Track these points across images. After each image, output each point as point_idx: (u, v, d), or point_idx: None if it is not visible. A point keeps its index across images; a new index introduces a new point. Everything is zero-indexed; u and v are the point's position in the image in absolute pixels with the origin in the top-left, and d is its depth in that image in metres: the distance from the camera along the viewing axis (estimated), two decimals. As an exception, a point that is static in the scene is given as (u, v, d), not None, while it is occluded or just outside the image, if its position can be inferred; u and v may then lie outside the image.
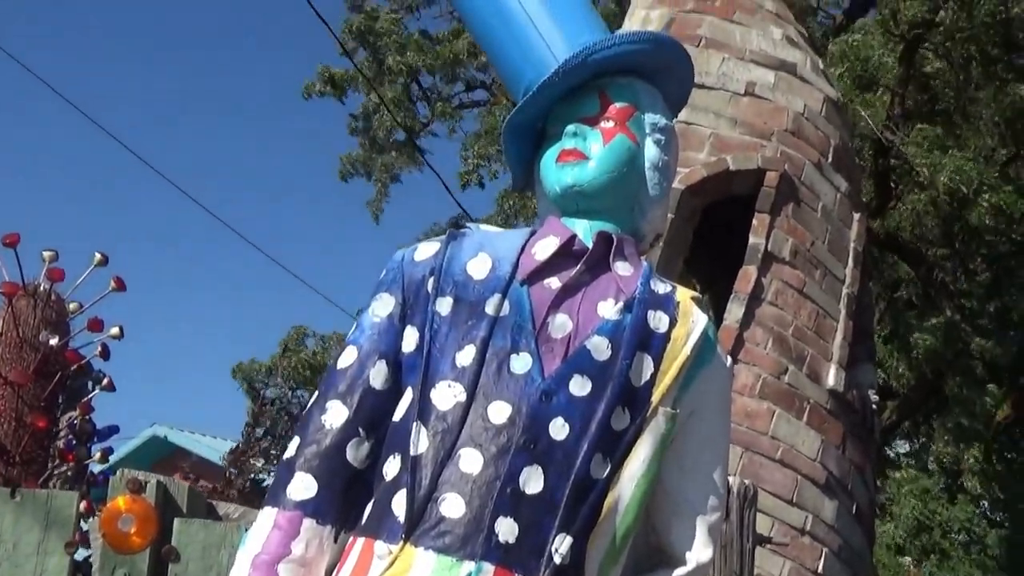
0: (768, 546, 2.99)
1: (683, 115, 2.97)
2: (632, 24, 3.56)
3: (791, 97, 3.47)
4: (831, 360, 3.41)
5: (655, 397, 1.11)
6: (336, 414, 1.11)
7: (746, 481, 2.55)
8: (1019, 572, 8.26)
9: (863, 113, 5.85)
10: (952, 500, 7.93)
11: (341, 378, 1.14)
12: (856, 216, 3.66)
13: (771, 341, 3.28)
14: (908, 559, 7.90)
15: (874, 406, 3.61)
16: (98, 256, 2.96)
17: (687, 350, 1.13)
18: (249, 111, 27.98)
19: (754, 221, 3.28)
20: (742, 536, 2.35)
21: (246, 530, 1.19)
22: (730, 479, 2.42)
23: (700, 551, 1.15)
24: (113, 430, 3.02)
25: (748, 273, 3.23)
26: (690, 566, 1.15)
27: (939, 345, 6.24)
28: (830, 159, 3.56)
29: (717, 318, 3.48)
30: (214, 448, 9.40)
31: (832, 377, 3.37)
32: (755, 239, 3.26)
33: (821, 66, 3.86)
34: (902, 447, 9.41)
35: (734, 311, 3.23)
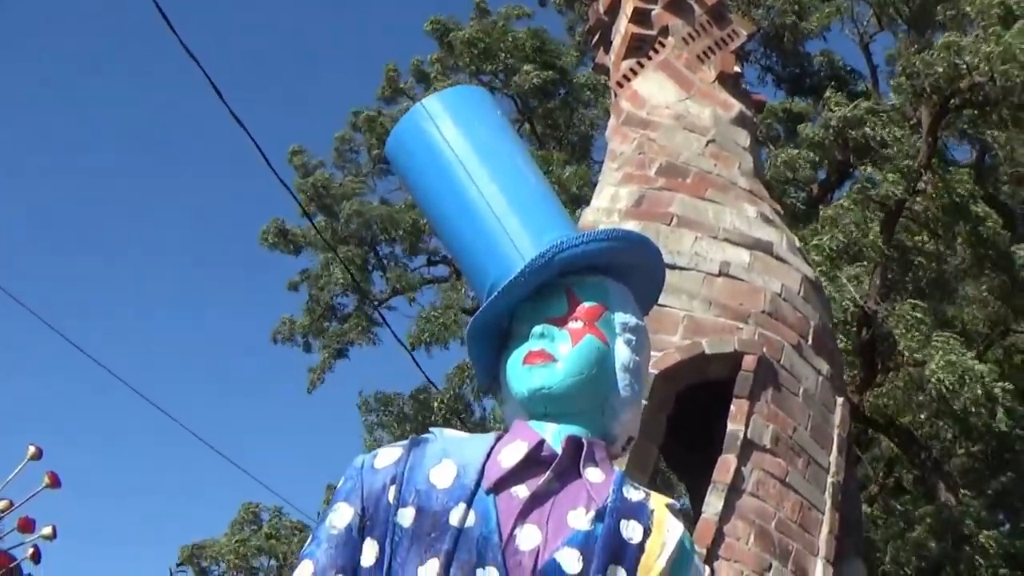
0: None
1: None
2: (600, 201, 3.57)
3: (767, 277, 3.43)
4: (817, 555, 3.18)
5: None
6: None
7: None
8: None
9: (848, 285, 5.91)
10: None
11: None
12: (839, 400, 3.53)
13: (753, 535, 3.06)
14: None
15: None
16: (32, 449, 2.78)
17: (661, 563, 1.12)
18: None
19: (732, 407, 3.15)
20: None
21: None
22: None
23: None
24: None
25: (727, 462, 3.06)
26: None
27: (933, 537, 5.98)
28: (810, 341, 3.47)
29: (696, 510, 3.28)
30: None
31: (819, 574, 3.14)
32: (734, 426, 3.11)
33: (797, 244, 3.87)
34: None
35: (713, 503, 3.03)
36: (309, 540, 1.18)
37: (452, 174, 1.26)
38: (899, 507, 6.95)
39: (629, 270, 1.27)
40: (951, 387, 5.25)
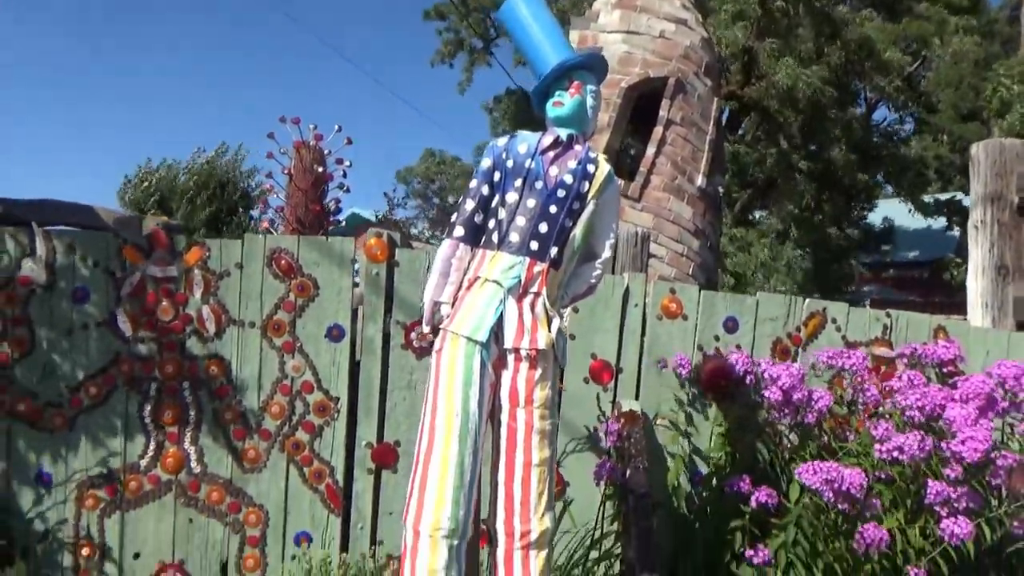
0: (658, 260, 6.41)
1: (626, 48, 6.60)
2: (597, 5, 6.65)
3: (682, 38, 6.65)
4: (700, 172, 6.75)
5: (589, 197, 2.45)
6: (470, 204, 2.45)
7: (645, 229, 5.91)
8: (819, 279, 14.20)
9: (738, 34, 9.77)
10: (782, 242, 13.41)
11: (472, 189, 2.48)
12: (715, 100, 6.93)
13: (669, 164, 6.59)
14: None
15: (721, 194, 7.03)
16: (337, 126, 5.97)
17: (600, 178, 2.49)
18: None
19: (663, 102, 6.53)
20: (641, 253, 4.91)
21: (432, 251, 2.89)
22: (637, 229, 5.66)
23: (606, 252, 2.58)
24: (340, 210, 6.09)
25: (658, 131, 6.51)
26: (604, 256, 2.58)
27: (775, 163, 10.78)
28: (703, 70, 6.78)
29: (642, 153, 6.77)
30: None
31: (701, 180, 6.71)
32: (662, 112, 6.51)
33: (700, 19, 7.02)
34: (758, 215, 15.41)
35: (650, 150, 6.52)
36: (476, 171, 2.53)
37: (528, 28, 2.58)
38: (755, 149, 12.35)
39: (595, 67, 2.60)
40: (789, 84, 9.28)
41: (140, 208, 13.85)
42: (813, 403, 3.06)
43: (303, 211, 5.81)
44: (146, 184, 14.45)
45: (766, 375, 3.15)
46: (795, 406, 3.07)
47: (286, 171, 5.63)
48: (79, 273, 3.33)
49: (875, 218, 20.79)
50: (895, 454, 2.83)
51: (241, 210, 14.64)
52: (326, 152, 5.87)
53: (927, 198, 19.49)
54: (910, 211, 20.29)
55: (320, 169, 5.76)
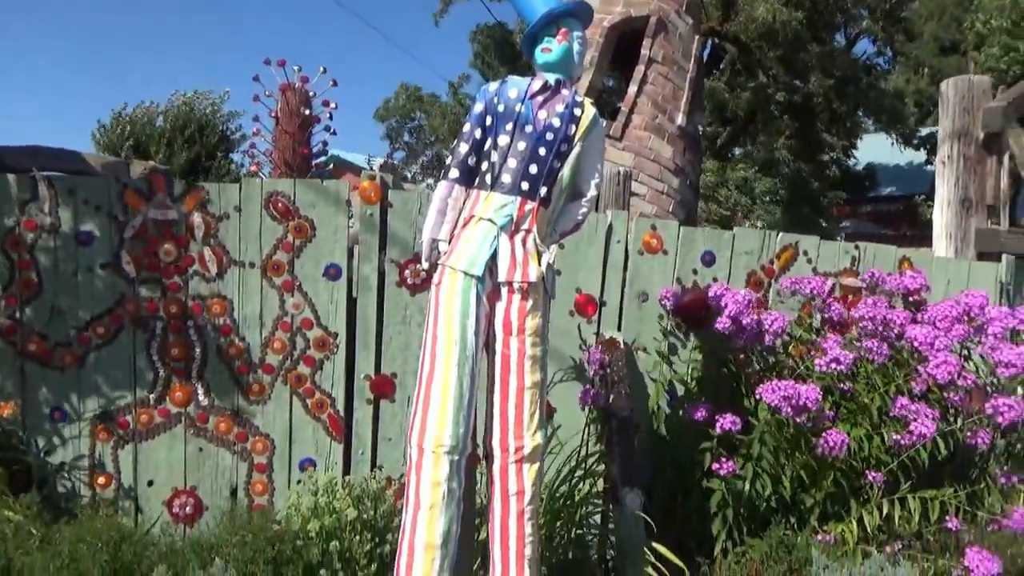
0: (639, 198, 6.57)
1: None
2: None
3: (663, -25, 6.69)
4: (680, 111, 6.87)
5: (576, 139, 2.59)
6: (464, 147, 2.57)
7: (627, 168, 6.05)
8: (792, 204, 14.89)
9: None
10: (761, 179, 14.45)
11: (466, 133, 2.60)
12: (697, 38, 7.00)
13: (650, 103, 6.69)
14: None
15: (701, 133, 7.16)
16: (321, 68, 6.00)
17: (586, 121, 2.61)
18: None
19: (644, 41, 6.59)
20: (623, 191, 5.49)
21: (429, 193, 2.83)
22: (619, 168, 5.80)
23: (591, 191, 2.74)
24: (326, 152, 6.19)
25: (639, 70, 6.59)
26: (589, 195, 2.74)
27: (753, 98, 10.94)
28: (683, 8, 6.83)
29: (623, 92, 6.87)
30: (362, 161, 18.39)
31: (681, 118, 6.84)
32: (644, 51, 6.59)
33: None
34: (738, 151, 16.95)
35: (631, 89, 6.61)
36: (469, 115, 2.64)
37: None
38: (735, 85, 12.52)
39: (581, 14, 2.72)
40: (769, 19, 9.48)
41: (116, 153, 13.72)
42: (767, 326, 3.27)
43: (291, 154, 5.89)
44: (121, 129, 14.27)
45: (719, 305, 3.35)
46: (748, 331, 3.28)
47: (273, 114, 5.68)
48: (82, 217, 3.45)
49: (860, 156, 21.09)
50: (832, 366, 3.08)
51: (220, 154, 14.52)
52: (312, 94, 5.91)
53: (907, 131, 19.73)
54: (892, 145, 20.48)
55: (307, 112, 5.82)
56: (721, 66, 15.89)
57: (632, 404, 3.44)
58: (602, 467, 3.36)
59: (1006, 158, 4.66)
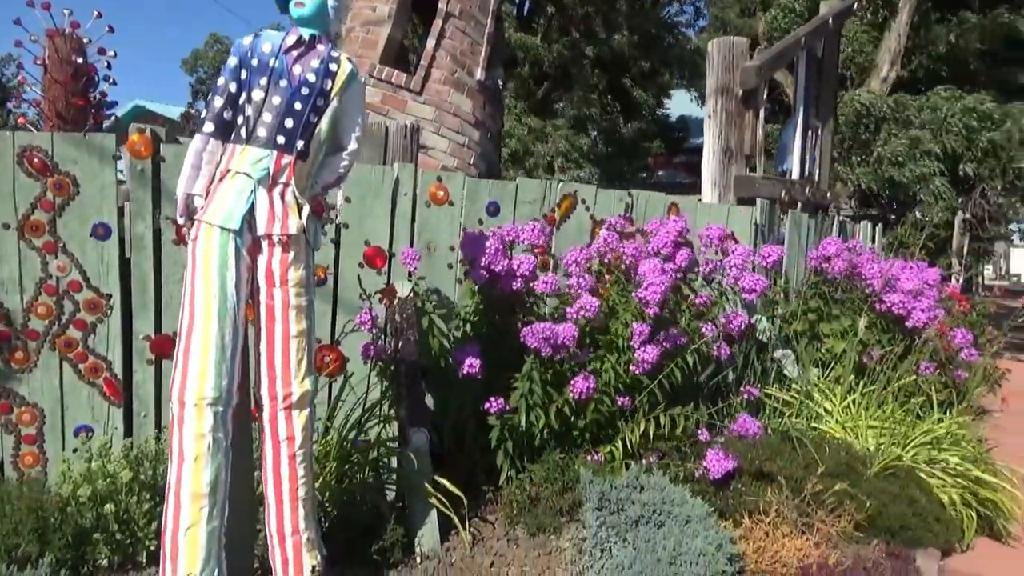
0: (440, 152, 6.67)
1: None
2: None
3: (457, -73, 6.72)
4: (479, 66, 6.99)
5: (332, 95, 2.60)
6: (219, 100, 2.55)
7: (416, 120, 6.12)
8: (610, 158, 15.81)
9: None
10: (577, 134, 14.58)
11: (220, 86, 2.58)
12: (493, -9, 7.12)
13: (449, 57, 6.76)
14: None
15: (501, 86, 7.33)
16: (96, 12, 5.61)
17: (343, 76, 2.63)
18: None
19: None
20: (411, 144, 5.22)
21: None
22: (407, 120, 5.81)
23: (351, 144, 2.74)
24: (113, 104, 5.84)
25: (437, 24, 6.63)
26: (350, 148, 2.74)
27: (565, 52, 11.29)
28: (478, -39, 6.91)
29: (423, 47, 6.89)
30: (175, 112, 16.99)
31: (480, 73, 6.96)
32: (441, 5, 6.62)
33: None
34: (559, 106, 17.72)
35: (429, 43, 6.65)
36: (224, 70, 2.60)
37: None
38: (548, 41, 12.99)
39: None
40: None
41: None
42: (515, 270, 3.50)
43: (63, 105, 5.50)
44: None
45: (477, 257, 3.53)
46: (503, 277, 3.50)
47: (39, 61, 5.26)
48: None
49: (673, 110, 22.21)
50: (581, 313, 3.37)
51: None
52: (86, 41, 5.52)
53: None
54: (691, 101, 21.81)
55: (79, 60, 5.43)
56: (542, 21, 16.17)
57: (422, 350, 3.57)
58: (394, 412, 3.48)
59: (761, 112, 5.15)
